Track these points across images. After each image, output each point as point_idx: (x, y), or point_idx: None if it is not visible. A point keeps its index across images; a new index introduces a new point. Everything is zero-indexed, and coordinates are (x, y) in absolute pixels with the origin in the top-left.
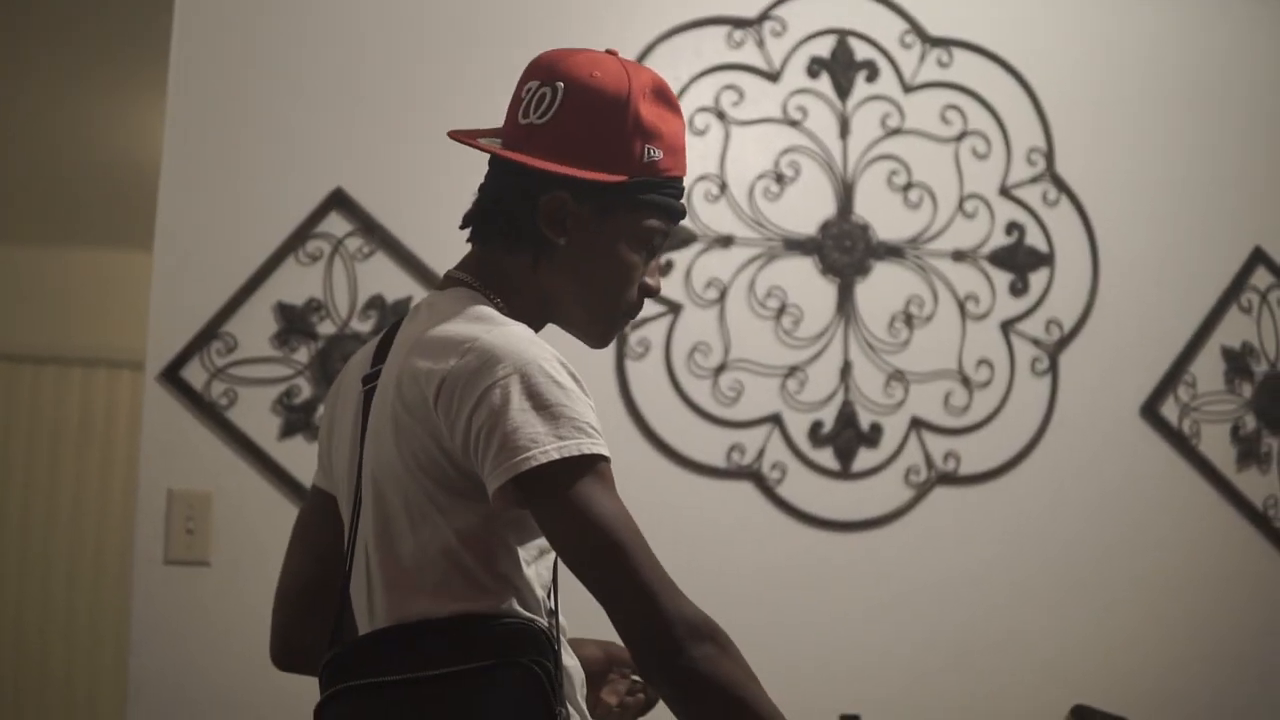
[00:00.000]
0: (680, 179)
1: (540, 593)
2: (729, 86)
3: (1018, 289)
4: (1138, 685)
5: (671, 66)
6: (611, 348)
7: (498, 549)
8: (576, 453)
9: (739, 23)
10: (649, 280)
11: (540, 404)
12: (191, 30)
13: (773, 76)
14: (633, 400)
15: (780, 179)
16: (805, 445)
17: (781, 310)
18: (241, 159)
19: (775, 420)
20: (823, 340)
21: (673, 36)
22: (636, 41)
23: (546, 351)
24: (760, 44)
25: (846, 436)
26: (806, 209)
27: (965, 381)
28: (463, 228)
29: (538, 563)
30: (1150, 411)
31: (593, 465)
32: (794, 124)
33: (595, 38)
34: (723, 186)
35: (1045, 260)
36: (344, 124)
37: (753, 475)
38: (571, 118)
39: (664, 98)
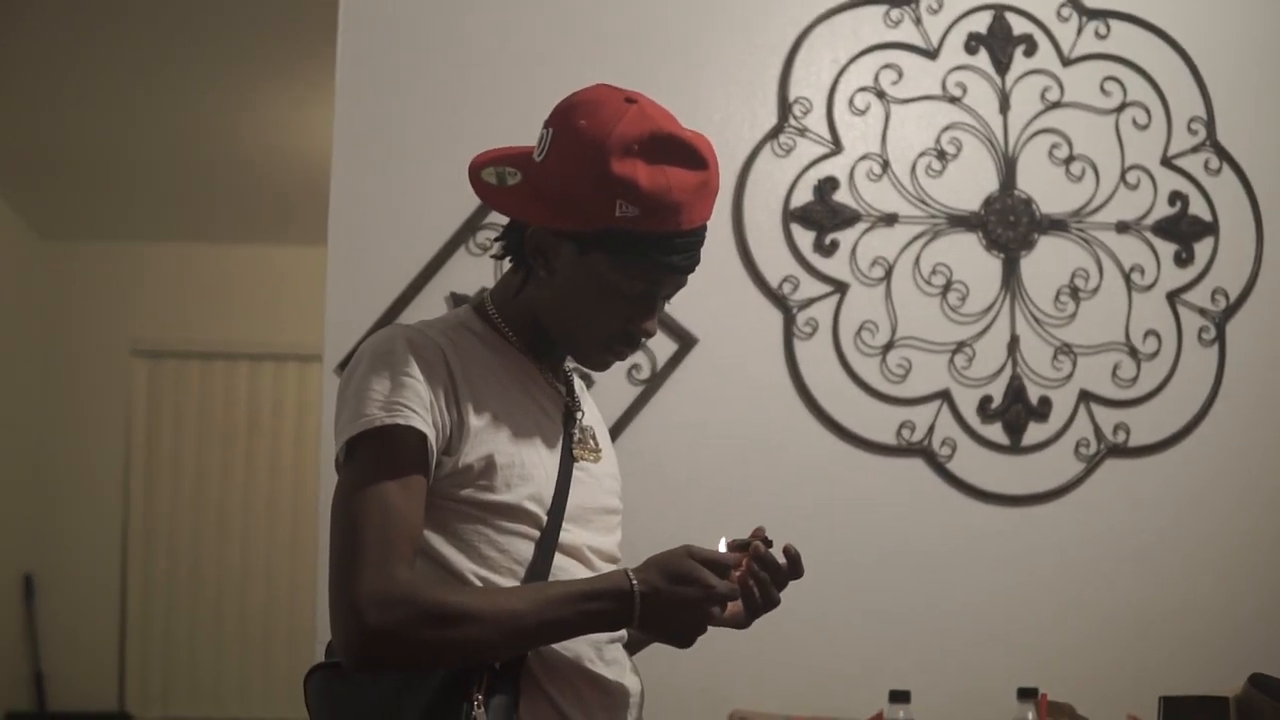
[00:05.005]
0: (669, 233)
1: (497, 577)
2: (888, 65)
3: (1182, 259)
4: None
5: (830, 48)
6: (779, 329)
7: (429, 535)
8: (354, 432)
9: (895, 1)
10: (635, 325)
11: (347, 395)
12: (358, 27)
13: (931, 54)
14: (802, 380)
15: (942, 156)
16: (974, 421)
17: (947, 287)
18: (410, 152)
19: (944, 396)
20: (989, 315)
21: (831, 18)
22: (795, 25)
23: (390, 344)
24: (917, 22)
25: (1015, 411)
26: (969, 185)
27: (1133, 353)
28: (497, 240)
29: (488, 544)
30: None
31: (362, 442)
32: (954, 100)
33: (754, 23)
34: (885, 165)
35: (1209, 229)
36: (514, 113)
37: (923, 452)
38: (555, 163)
39: (657, 150)
